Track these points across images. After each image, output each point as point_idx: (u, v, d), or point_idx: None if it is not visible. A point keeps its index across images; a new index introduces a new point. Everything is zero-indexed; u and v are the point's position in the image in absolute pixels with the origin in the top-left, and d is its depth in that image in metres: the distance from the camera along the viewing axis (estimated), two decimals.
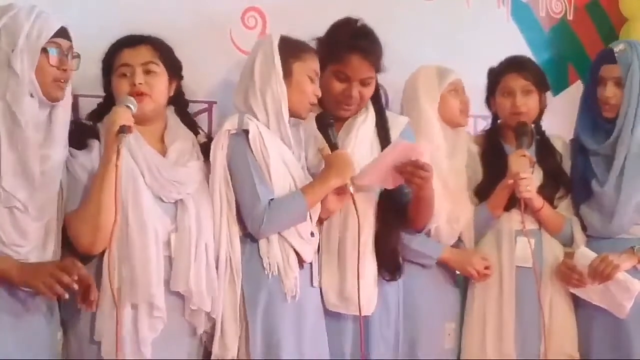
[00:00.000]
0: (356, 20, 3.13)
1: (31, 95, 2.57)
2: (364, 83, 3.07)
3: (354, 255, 2.95)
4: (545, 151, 3.50)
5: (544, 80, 3.51)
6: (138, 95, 2.74)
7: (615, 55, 3.40)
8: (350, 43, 3.06)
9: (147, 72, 2.78)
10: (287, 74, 2.91)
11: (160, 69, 2.81)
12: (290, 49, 2.94)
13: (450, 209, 3.34)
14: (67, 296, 2.49)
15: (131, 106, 2.66)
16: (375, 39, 3.11)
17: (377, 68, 3.10)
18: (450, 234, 3.38)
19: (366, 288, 3.01)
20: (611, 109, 3.40)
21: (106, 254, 2.62)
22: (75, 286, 2.49)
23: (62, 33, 2.65)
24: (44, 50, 2.59)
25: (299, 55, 2.94)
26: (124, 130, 2.56)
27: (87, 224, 2.61)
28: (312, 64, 2.96)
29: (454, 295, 3.46)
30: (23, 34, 2.56)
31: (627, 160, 3.35)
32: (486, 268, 3.38)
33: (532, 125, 3.47)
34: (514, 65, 3.48)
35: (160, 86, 2.81)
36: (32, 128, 2.57)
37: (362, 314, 2.97)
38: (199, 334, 2.82)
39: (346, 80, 3.06)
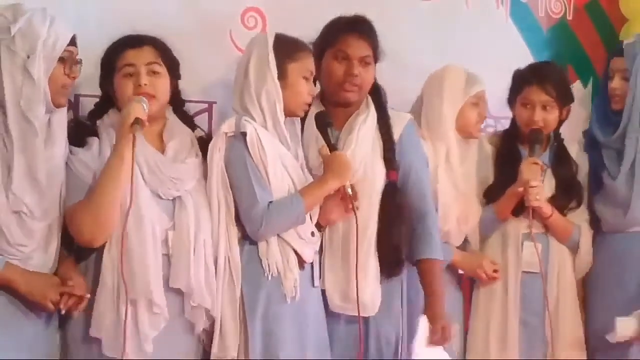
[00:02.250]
0: (352, 15, 3.15)
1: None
2: (363, 62, 3.07)
3: (360, 258, 2.95)
4: (560, 160, 3.49)
5: (567, 93, 3.49)
6: (145, 96, 2.75)
7: (624, 47, 3.42)
8: (346, 25, 3.09)
9: (151, 72, 2.80)
10: (282, 75, 2.91)
11: (162, 70, 2.83)
12: (285, 49, 2.93)
13: (460, 210, 3.35)
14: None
15: (144, 105, 2.69)
16: (370, 24, 3.13)
17: (375, 51, 3.11)
18: (459, 235, 3.40)
19: (370, 288, 3.02)
20: (618, 101, 3.43)
21: (106, 250, 2.65)
22: (88, 295, 2.62)
23: (72, 40, 2.68)
24: (60, 59, 2.63)
25: (293, 56, 2.93)
26: (138, 122, 2.60)
27: (91, 215, 2.62)
28: (307, 64, 2.96)
29: (457, 297, 3.46)
30: (40, 40, 2.59)
31: (638, 151, 3.36)
32: (495, 271, 3.39)
33: (552, 133, 3.46)
34: (538, 76, 3.44)
35: (163, 87, 2.83)
36: (40, 132, 2.60)
37: (367, 314, 3.00)
38: (198, 333, 2.83)
39: (346, 59, 3.06)
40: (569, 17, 4.19)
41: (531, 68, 3.52)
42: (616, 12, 4.22)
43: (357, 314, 2.95)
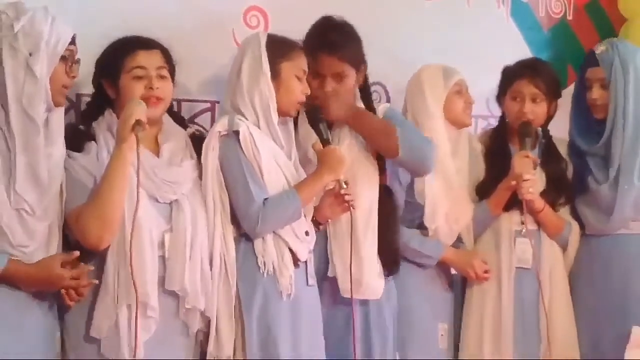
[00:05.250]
0: (332, 18, 3.14)
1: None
2: (337, 78, 3.08)
3: (365, 242, 3.02)
4: (550, 156, 3.50)
5: (556, 88, 3.51)
6: (154, 99, 2.75)
7: (597, 57, 3.44)
8: (317, 40, 3.09)
9: (160, 77, 2.79)
10: (275, 74, 2.91)
11: (168, 75, 2.83)
12: (278, 49, 2.94)
13: (449, 209, 3.36)
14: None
15: (144, 107, 2.67)
16: (345, 32, 3.12)
17: (351, 61, 3.10)
18: (449, 234, 3.40)
19: (374, 273, 3.07)
20: (600, 110, 3.45)
21: (110, 252, 2.64)
22: (95, 281, 2.62)
23: (72, 39, 2.67)
24: (62, 58, 2.62)
25: (286, 55, 2.94)
26: (139, 124, 2.59)
27: (97, 217, 2.60)
28: (300, 63, 2.96)
29: (447, 296, 3.47)
30: (43, 38, 2.57)
31: (623, 157, 3.38)
32: (485, 272, 3.40)
33: (539, 129, 3.47)
34: (528, 70, 3.48)
35: (169, 91, 2.83)
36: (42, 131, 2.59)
37: (375, 297, 3.07)
38: (194, 334, 2.82)
39: (319, 76, 3.07)
40: (569, 17, 4.23)
41: (521, 63, 3.55)
42: (616, 12, 4.26)
43: (364, 297, 3.06)
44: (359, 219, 3.03)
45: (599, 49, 3.46)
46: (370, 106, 3.19)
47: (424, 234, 3.35)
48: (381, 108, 3.22)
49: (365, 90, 3.21)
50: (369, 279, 3.04)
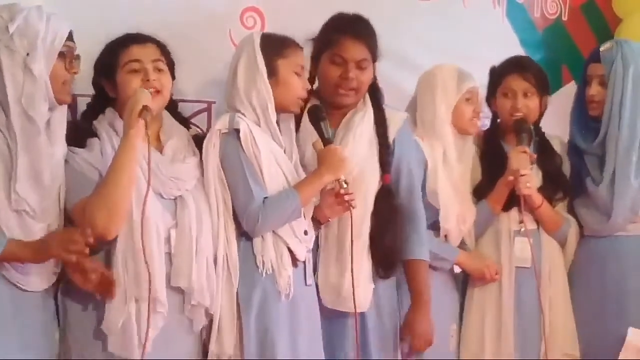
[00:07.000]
0: (350, 14, 3.15)
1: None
2: (360, 66, 3.07)
3: (355, 256, 2.97)
4: (544, 153, 3.51)
5: (545, 82, 3.51)
6: (152, 91, 2.73)
7: (600, 53, 3.44)
8: (343, 27, 3.08)
9: (156, 70, 2.79)
10: (273, 72, 2.91)
11: (166, 68, 2.83)
12: (273, 47, 2.94)
13: (459, 210, 3.36)
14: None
15: (150, 94, 2.69)
16: (369, 24, 3.13)
17: (373, 54, 3.10)
18: (458, 235, 3.40)
19: (363, 285, 3.04)
20: (596, 107, 3.44)
21: (118, 245, 2.64)
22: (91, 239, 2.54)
23: (69, 35, 2.68)
24: (60, 54, 2.62)
25: (282, 53, 2.94)
26: (147, 109, 2.61)
27: (105, 207, 2.60)
28: (296, 59, 2.96)
29: (456, 296, 3.47)
30: (39, 37, 2.58)
31: (617, 157, 3.38)
32: (496, 273, 3.40)
33: (532, 127, 3.47)
34: (516, 66, 3.48)
35: (167, 84, 2.83)
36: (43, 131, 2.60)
37: (349, 311, 3.01)
38: (198, 330, 2.83)
39: (342, 63, 3.06)
40: (565, 18, 4.24)
41: (507, 61, 3.54)
42: (612, 12, 4.26)
43: (347, 310, 3.00)
44: (348, 234, 2.97)
45: (604, 46, 3.46)
46: (380, 107, 3.17)
47: (434, 235, 3.35)
48: (399, 119, 3.20)
49: (375, 91, 3.19)
50: (348, 292, 2.98)
